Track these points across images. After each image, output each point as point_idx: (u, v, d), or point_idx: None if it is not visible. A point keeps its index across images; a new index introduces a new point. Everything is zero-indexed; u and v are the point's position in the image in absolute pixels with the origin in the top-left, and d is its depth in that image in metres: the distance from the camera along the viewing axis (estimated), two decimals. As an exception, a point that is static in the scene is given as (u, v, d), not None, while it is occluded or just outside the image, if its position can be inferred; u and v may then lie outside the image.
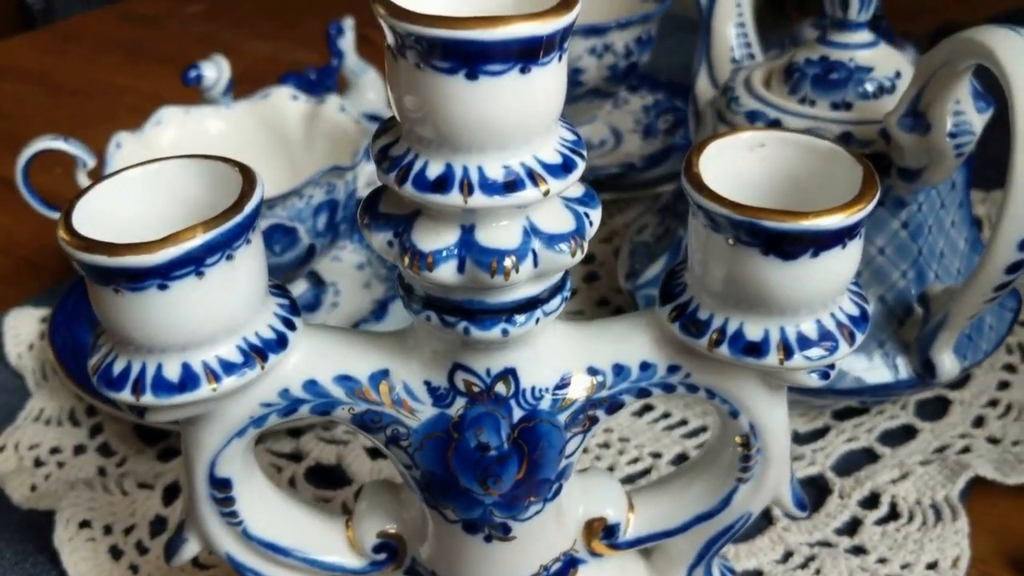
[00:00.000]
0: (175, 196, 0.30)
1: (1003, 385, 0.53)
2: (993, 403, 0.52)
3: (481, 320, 0.28)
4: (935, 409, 0.52)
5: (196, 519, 0.33)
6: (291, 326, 0.30)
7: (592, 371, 0.31)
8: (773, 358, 0.29)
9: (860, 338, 0.29)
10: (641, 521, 0.36)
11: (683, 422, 0.52)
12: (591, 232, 0.28)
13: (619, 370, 0.31)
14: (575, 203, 0.29)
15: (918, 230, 0.47)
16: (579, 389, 0.31)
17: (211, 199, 0.29)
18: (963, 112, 0.42)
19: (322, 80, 0.73)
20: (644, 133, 0.77)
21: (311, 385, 0.30)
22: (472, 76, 0.24)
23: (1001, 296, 0.42)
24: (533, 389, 0.30)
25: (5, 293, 0.65)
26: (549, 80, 0.25)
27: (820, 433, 0.51)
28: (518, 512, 0.32)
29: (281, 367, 0.30)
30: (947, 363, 0.45)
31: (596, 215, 0.29)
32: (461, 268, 0.27)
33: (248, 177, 0.28)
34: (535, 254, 0.27)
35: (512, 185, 0.26)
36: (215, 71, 0.60)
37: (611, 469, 0.49)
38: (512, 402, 0.30)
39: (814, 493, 0.47)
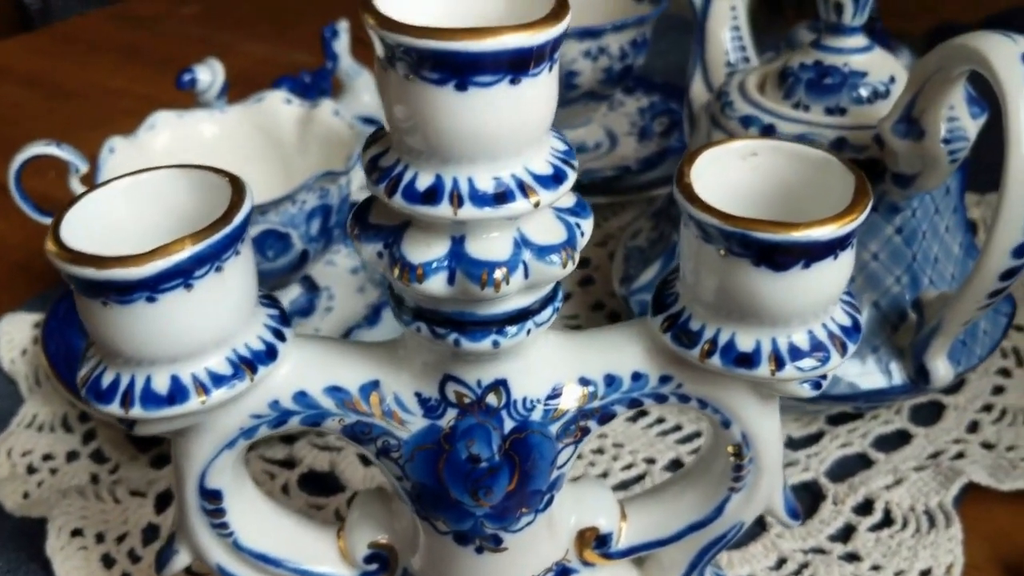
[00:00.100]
0: (165, 206, 0.30)
1: (997, 390, 0.53)
2: (987, 408, 0.52)
3: (472, 332, 0.28)
4: (929, 414, 0.52)
5: (187, 530, 0.33)
6: (281, 337, 0.30)
7: (584, 381, 0.31)
8: (764, 369, 0.29)
9: (852, 349, 0.29)
10: (634, 530, 0.35)
11: (677, 427, 0.52)
12: (583, 243, 0.28)
13: (611, 380, 0.31)
14: (566, 213, 0.28)
15: (912, 235, 0.47)
16: (571, 400, 0.31)
17: (202, 208, 0.29)
18: (957, 118, 0.42)
19: (317, 83, 0.72)
20: (639, 136, 0.77)
21: (301, 396, 0.30)
22: (462, 87, 0.24)
23: (995, 302, 0.42)
24: (524, 400, 0.30)
25: (-2, 298, 0.65)
26: (540, 91, 0.25)
27: (814, 438, 0.51)
28: (509, 523, 0.32)
29: (271, 378, 0.30)
30: (941, 369, 0.45)
31: (588, 225, 0.29)
32: (451, 280, 0.27)
33: (237, 188, 0.28)
34: (526, 266, 0.27)
35: (502, 197, 0.26)
36: (209, 75, 0.59)
37: (605, 475, 0.49)
38: (503, 413, 0.30)
39: (808, 499, 0.47)
